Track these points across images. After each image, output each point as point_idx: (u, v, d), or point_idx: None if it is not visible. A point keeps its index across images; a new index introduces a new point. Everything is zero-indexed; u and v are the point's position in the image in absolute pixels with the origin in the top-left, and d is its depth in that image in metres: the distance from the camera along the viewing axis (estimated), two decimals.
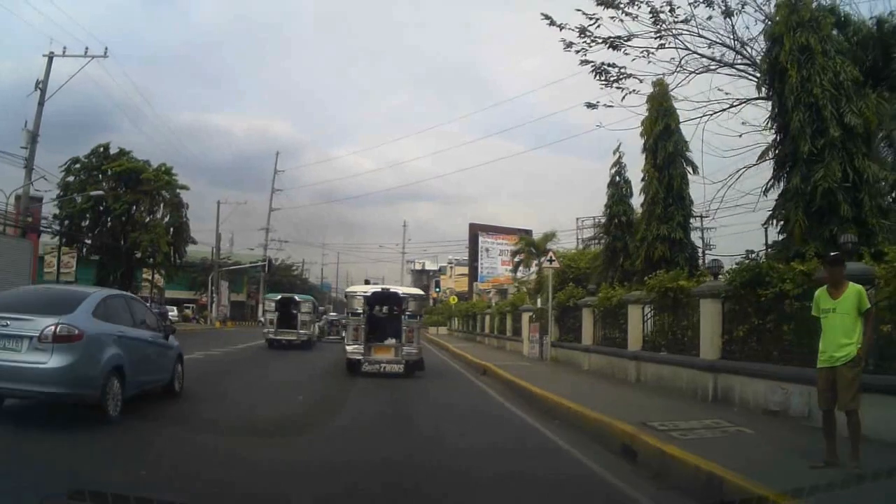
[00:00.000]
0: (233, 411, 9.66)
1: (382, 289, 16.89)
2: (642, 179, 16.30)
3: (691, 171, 15.92)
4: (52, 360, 7.03)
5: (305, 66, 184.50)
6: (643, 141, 16.46)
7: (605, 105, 13.60)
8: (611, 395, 11.87)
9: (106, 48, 34.04)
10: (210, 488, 5.43)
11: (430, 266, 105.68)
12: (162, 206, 42.34)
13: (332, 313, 43.84)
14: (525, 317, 23.80)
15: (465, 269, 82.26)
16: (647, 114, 16.45)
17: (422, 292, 18.33)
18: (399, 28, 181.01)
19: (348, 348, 14.99)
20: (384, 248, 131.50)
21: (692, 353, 11.53)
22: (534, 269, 36.98)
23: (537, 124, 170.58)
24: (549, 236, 35.59)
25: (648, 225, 15.27)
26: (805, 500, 4.97)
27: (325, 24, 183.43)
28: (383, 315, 16.48)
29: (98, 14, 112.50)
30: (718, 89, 15.43)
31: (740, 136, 14.95)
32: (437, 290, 55.98)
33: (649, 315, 13.47)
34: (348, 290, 18.21)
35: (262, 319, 28.32)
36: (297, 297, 26.42)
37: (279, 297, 26.42)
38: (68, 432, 7.20)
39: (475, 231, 56.09)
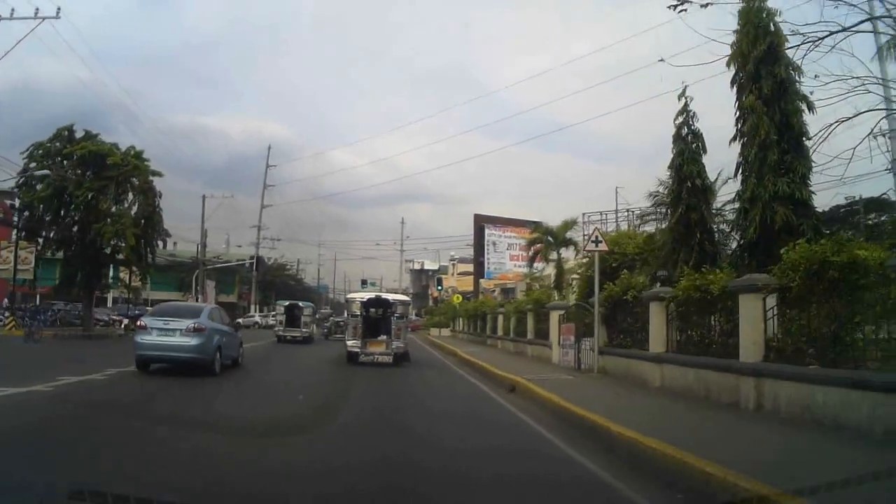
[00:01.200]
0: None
1: (376, 295, 20.53)
2: (738, 122, 11.77)
3: (806, 110, 11.35)
4: (193, 341, 13.11)
5: (303, 67, 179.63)
6: (734, 72, 11.93)
7: (700, 3, 9.03)
8: (752, 439, 7.34)
9: (58, 8, 29.68)
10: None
11: (429, 265, 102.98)
12: (131, 194, 37.76)
13: (331, 315, 47.57)
14: (554, 316, 19.30)
15: (469, 267, 77.54)
16: (736, 37, 11.90)
17: (407, 298, 23.84)
18: (397, 28, 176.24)
19: (348, 343, 18.37)
20: (382, 247, 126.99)
21: (874, 368, 7.07)
22: (552, 261, 32.47)
23: (536, 125, 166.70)
24: (570, 224, 31.04)
25: (760, 179, 10.71)
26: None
27: (321, 25, 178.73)
28: (377, 316, 19.08)
29: (95, 14, 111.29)
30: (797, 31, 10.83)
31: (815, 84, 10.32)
32: (439, 288, 50.48)
33: (774, 309, 8.92)
34: (348, 295, 23.99)
35: (239, 322, 26.40)
36: (300, 304, 33.04)
37: (287, 303, 33.20)
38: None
39: (480, 223, 50.93)
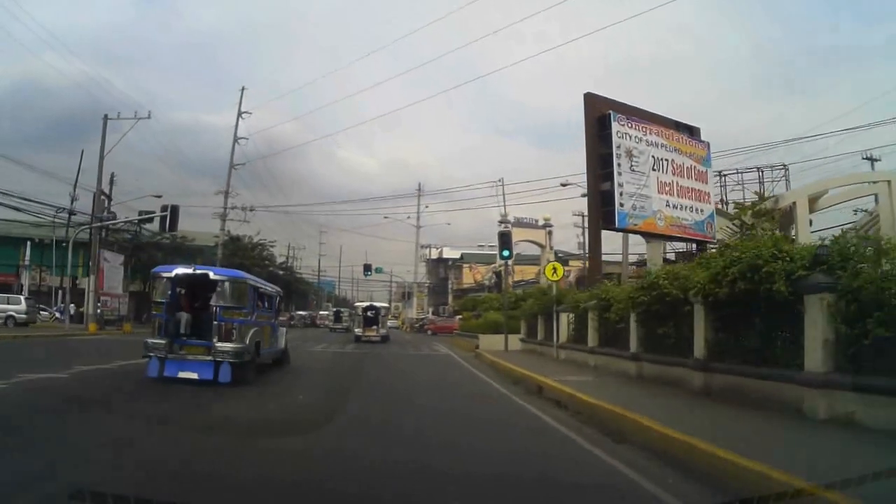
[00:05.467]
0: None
1: (370, 304, 38.31)
2: None
3: None
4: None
5: (308, 62, 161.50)
6: None
7: None
8: None
9: None
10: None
11: (448, 254, 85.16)
12: None
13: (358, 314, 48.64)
14: None
15: (534, 234, 52.62)
16: None
17: (387, 305, 45.70)
18: (399, 23, 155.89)
19: (355, 330, 36.35)
20: (392, 233, 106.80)
21: None
22: None
23: (537, 122, 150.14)
24: None
25: None
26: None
27: (321, 21, 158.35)
28: (371, 315, 35.89)
29: (96, 16, 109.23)
30: None
31: None
32: (505, 254, 24.07)
33: None
34: (356, 304, 48.58)
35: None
36: (341, 310, 57.11)
37: (334, 309, 59.90)
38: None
39: (600, 110, 22.90)
